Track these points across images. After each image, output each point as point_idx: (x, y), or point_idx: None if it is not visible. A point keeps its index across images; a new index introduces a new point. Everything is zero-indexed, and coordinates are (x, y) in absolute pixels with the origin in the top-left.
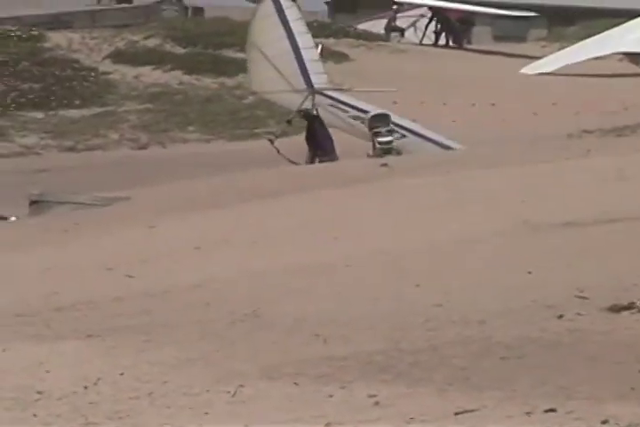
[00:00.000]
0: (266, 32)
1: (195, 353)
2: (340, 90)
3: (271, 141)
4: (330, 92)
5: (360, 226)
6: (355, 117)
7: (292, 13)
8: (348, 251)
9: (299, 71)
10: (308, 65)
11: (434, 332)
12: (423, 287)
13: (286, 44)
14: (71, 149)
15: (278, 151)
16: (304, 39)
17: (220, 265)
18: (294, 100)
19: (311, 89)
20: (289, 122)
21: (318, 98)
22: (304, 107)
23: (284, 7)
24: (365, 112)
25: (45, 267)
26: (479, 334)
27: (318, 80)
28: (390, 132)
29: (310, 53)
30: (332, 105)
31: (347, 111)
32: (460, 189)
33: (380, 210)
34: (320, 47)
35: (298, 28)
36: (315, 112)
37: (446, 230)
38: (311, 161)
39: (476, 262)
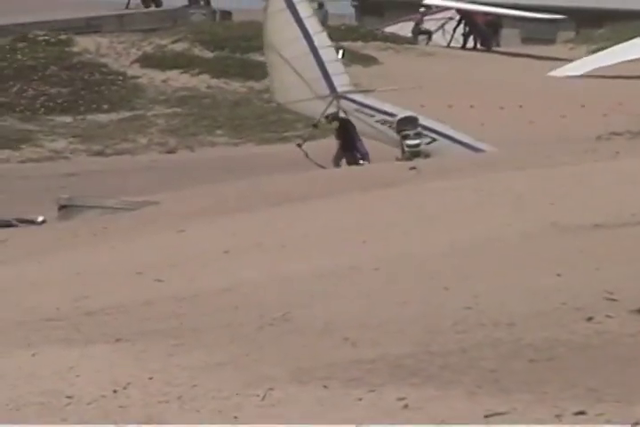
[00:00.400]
0: (280, 31)
1: (224, 357)
2: (364, 91)
3: (299, 145)
4: (354, 96)
5: (388, 229)
6: (382, 122)
7: (304, 10)
8: (377, 254)
9: (320, 74)
10: (328, 67)
11: (463, 334)
12: (452, 290)
13: (303, 44)
14: (100, 154)
15: (307, 155)
16: (320, 38)
17: (249, 269)
18: (318, 107)
19: (334, 93)
20: (315, 126)
21: (344, 103)
22: (329, 112)
23: (294, 2)
24: (393, 115)
25: (75, 271)
26: (508, 337)
27: (340, 82)
28: (418, 135)
29: (329, 53)
30: (357, 110)
31: (373, 115)
32: (488, 191)
33: (408, 213)
34: (341, 52)
35: (312, 26)
36: (343, 114)
37: (475, 233)
38: (337, 163)
39: (505, 265)
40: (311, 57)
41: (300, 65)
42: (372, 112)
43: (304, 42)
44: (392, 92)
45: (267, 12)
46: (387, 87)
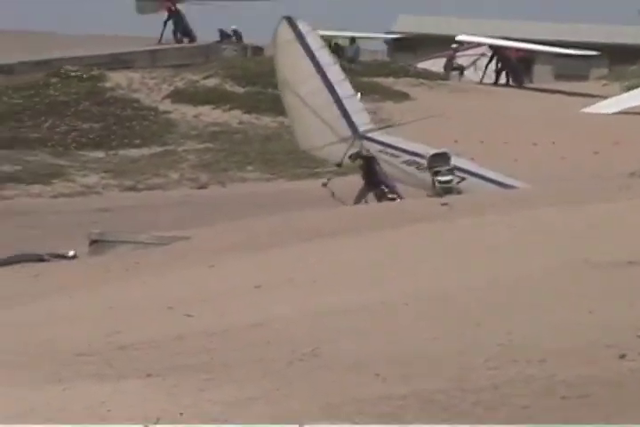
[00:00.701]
0: (292, 66)
1: (255, 392)
2: (384, 128)
3: (324, 185)
4: (377, 136)
5: (420, 265)
6: (409, 163)
7: (313, 41)
8: (408, 290)
9: (339, 113)
10: (345, 104)
11: (495, 371)
12: (484, 326)
13: (317, 80)
14: (131, 189)
15: (333, 195)
16: (333, 71)
17: (280, 304)
18: (342, 150)
19: (356, 134)
20: (339, 165)
21: (366, 144)
22: (352, 152)
23: (303, 32)
24: (419, 155)
25: (106, 306)
26: (541, 373)
27: (360, 121)
28: (450, 171)
29: (344, 88)
30: (382, 151)
31: (398, 156)
32: (520, 227)
33: (440, 249)
34: (359, 95)
35: (324, 59)
36: (366, 152)
37: (507, 269)
38: (359, 200)
39: (537, 301)
40: (327, 93)
41: (317, 103)
42: (397, 152)
43: (318, 77)
44: (425, 128)
45: (275, 44)
46: (406, 121)
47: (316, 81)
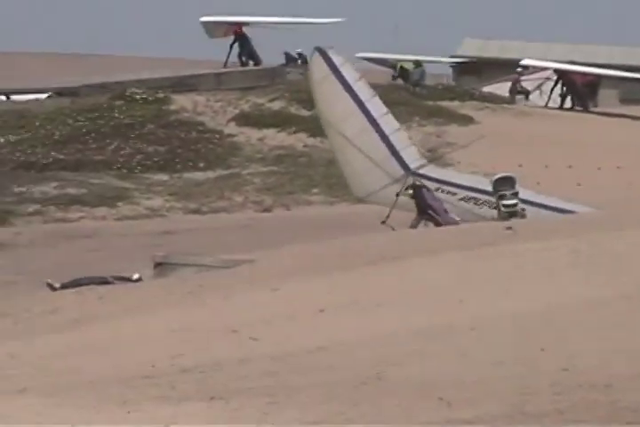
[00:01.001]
0: (333, 104)
1: (319, 416)
2: (435, 159)
3: (384, 222)
4: (430, 173)
5: (485, 289)
6: (466, 199)
7: (349, 73)
8: (473, 314)
9: (388, 152)
10: (392, 140)
11: (559, 396)
12: (548, 351)
13: (360, 117)
14: (196, 212)
15: (393, 230)
16: (374, 105)
17: (344, 328)
18: (396, 190)
19: (408, 172)
20: (397, 195)
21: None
22: (406, 185)
23: (337, 65)
24: (477, 190)
25: (171, 329)
26: (605, 399)
27: (410, 157)
28: (515, 195)
29: (389, 124)
30: (438, 189)
31: (455, 193)
32: (586, 252)
33: (504, 273)
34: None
35: (363, 93)
36: (418, 182)
37: (572, 294)
38: (416, 226)
39: (602, 326)
40: (372, 131)
41: (364, 142)
42: (454, 189)
43: (360, 114)
44: (489, 152)
45: (312, 82)
46: (452, 149)
47: (359, 118)
